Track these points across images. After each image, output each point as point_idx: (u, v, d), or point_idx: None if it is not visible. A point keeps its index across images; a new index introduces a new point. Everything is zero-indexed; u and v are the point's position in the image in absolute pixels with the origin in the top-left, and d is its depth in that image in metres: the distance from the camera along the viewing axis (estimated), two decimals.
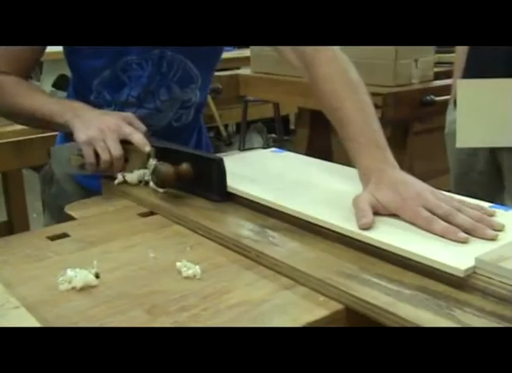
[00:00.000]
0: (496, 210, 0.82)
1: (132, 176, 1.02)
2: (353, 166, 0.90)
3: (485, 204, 0.84)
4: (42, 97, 1.08)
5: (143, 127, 1.02)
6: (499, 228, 0.76)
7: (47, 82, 2.94)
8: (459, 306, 0.62)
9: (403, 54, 2.09)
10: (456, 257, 0.68)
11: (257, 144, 4.56)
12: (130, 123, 1.01)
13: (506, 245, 0.71)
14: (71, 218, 0.94)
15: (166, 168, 0.92)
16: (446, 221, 0.76)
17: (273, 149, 1.22)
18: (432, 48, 2.24)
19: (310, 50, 1.00)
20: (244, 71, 2.70)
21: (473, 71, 1.72)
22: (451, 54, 2.17)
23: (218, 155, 1.01)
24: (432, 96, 2.09)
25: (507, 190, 1.77)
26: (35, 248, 0.81)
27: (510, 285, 0.63)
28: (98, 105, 1.13)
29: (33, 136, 1.72)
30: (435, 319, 0.60)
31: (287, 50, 1.07)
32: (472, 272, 0.66)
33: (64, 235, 0.86)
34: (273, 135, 4.52)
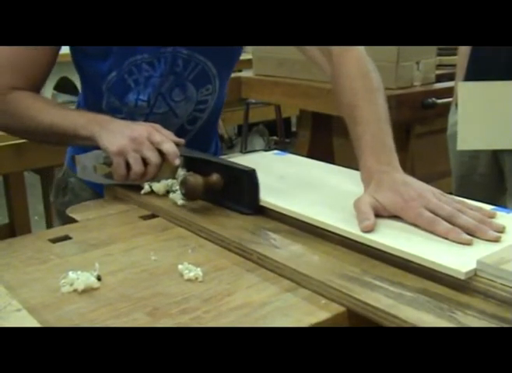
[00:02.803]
0: (497, 212, 0.82)
1: (159, 187, 0.98)
2: (355, 168, 0.90)
3: (487, 207, 0.84)
4: (62, 111, 1.03)
5: (173, 137, 0.98)
6: (500, 230, 0.76)
7: (48, 85, 2.95)
8: (460, 309, 0.62)
9: (405, 56, 2.09)
10: (457, 259, 0.68)
11: (259, 146, 4.56)
12: (159, 132, 0.97)
13: (508, 247, 0.71)
14: (73, 221, 0.94)
15: (195, 179, 0.87)
16: (448, 223, 0.76)
17: (275, 151, 1.22)
18: (434, 50, 2.24)
19: (337, 49, 1.01)
20: (246, 73, 2.70)
21: (475, 73, 1.72)
22: (453, 57, 2.17)
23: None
24: (433, 99, 2.09)
25: (509, 193, 1.77)
26: (37, 250, 0.81)
27: (511, 287, 0.63)
28: (110, 111, 1.10)
29: None
30: (436, 322, 0.60)
31: (311, 48, 1.07)
32: (474, 274, 0.66)
33: (66, 238, 0.86)
34: (275, 137, 4.52)
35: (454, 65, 2.04)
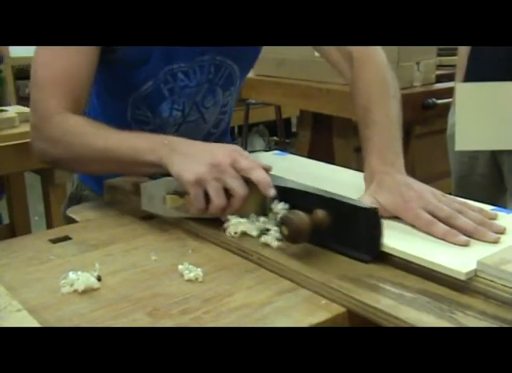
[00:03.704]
0: (498, 213, 0.82)
1: (250, 227, 0.81)
2: (354, 169, 0.91)
3: (487, 207, 0.84)
4: (119, 134, 0.89)
5: (259, 161, 0.83)
6: (501, 231, 0.76)
7: None
8: (461, 309, 0.62)
9: (405, 56, 2.09)
10: (457, 260, 0.68)
11: (259, 146, 4.56)
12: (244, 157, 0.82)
13: (508, 248, 0.71)
14: (73, 221, 0.94)
15: (299, 217, 0.72)
16: (447, 224, 0.76)
17: (275, 152, 1.22)
18: (434, 51, 2.24)
19: (359, 54, 1.03)
20: None
21: (474, 74, 1.72)
22: (453, 57, 2.17)
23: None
24: (433, 99, 2.09)
25: (509, 193, 1.77)
26: (37, 251, 0.81)
27: (511, 288, 0.63)
28: (136, 123, 1.06)
29: None
30: (437, 322, 0.60)
31: (332, 50, 1.07)
32: (474, 275, 0.66)
33: (66, 238, 0.86)
34: (275, 138, 4.52)
35: (454, 66, 2.04)
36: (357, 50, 1.03)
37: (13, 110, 1.82)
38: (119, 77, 1.03)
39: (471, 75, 1.73)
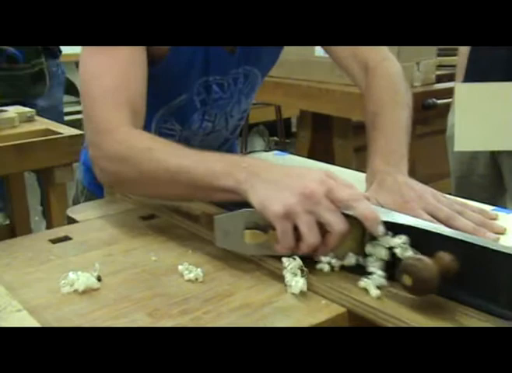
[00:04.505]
0: (498, 213, 0.82)
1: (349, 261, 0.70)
2: (354, 169, 0.91)
3: (487, 207, 0.84)
4: (192, 153, 0.78)
5: (361, 191, 0.72)
6: (501, 232, 0.76)
7: None
8: (462, 310, 0.62)
9: (405, 56, 2.09)
10: None
11: (259, 147, 4.57)
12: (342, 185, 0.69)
13: None
14: (73, 221, 0.94)
15: (428, 266, 0.59)
16: (446, 225, 0.76)
17: (275, 152, 1.22)
18: (434, 51, 2.24)
19: (374, 63, 1.04)
20: None
21: (473, 74, 1.72)
22: (453, 57, 2.17)
23: None
24: (433, 99, 2.09)
25: (509, 193, 1.77)
26: (37, 251, 0.81)
27: None
28: (160, 136, 0.96)
29: (35, 139, 1.72)
30: (438, 323, 0.60)
31: (348, 58, 1.08)
32: None
33: (66, 238, 0.85)
34: (275, 138, 4.53)
35: (454, 66, 2.04)
36: (373, 60, 1.04)
37: (13, 110, 1.82)
38: (151, 92, 0.94)
39: (471, 75, 1.73)
